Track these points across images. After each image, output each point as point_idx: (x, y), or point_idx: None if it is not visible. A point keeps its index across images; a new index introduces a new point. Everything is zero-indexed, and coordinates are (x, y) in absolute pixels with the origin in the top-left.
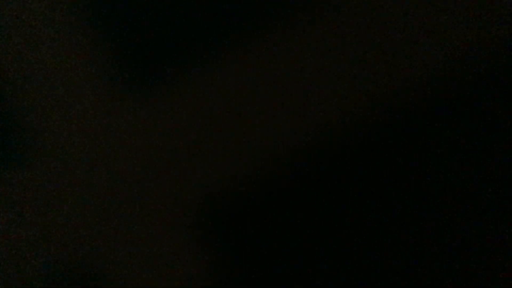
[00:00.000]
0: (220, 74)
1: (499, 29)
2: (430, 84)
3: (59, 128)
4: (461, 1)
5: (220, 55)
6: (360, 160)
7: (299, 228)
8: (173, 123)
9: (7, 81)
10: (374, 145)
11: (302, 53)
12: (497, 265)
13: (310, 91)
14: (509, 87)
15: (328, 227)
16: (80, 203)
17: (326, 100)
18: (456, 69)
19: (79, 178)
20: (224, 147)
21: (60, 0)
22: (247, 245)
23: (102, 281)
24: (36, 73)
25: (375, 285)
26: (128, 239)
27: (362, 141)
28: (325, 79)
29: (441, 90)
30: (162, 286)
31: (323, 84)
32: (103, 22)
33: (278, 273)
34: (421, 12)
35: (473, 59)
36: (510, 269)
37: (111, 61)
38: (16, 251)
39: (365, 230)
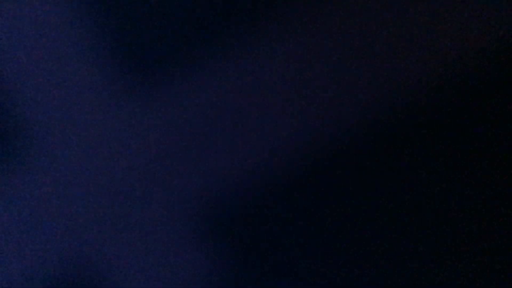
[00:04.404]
0: (221, 75)
1: (499, 29)
2: (429, 85)
3: (59, 128)
4: (461, 1)
5: (221, 56)
6: (360, 161)
7: (299, 228)
8: (172, 123)
9: (7, 82)
10: (374, 145)
11: (301, 54)
12: (497, 265)
13: (310, 92)
14: (509, 87)
15: (328, 228)
16: (80, 204)
17: (327, 100)
18: (455, 70)
19: (79, 178)
20: (223, 147)
21: (60, 0)
22: (247, 245)
23: (102, 281)
24: (36, 74)
25: (375, 285)
26: (128, 240)
27: (362, 142)
28: (325, 79)
29: (440, 91)
30: (162, 286)
31: (323, 84)
32: (103, 22)
33: (279, 273)
34: (421, 12)
35: (473, 59)
36: (510, 269)
37: (112, 62)
38: (16, 251)
39: (366, 231)
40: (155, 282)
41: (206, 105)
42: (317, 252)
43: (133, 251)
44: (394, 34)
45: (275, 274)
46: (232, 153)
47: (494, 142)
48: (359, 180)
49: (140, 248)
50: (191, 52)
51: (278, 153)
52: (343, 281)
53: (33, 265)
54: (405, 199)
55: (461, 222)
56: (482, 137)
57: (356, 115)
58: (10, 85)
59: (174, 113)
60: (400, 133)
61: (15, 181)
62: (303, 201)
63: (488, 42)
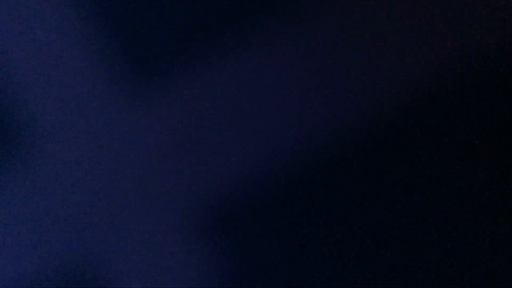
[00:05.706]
0: (221, 75)
1: (499, 29)
2: (428, 85)
3: (59, 129)
4: (461, 1)
5: (221, 56)
6: (360, 161)
7: (299, 228)
8: (173, 124)
9: (8, 82)
10: (374, 145)
11: (301, 55)
12: (497, 265)
13: (310, 92)
14: (509, 87)
15: (328, 228)
16: (80, 203)
17: (327, 100)
18: (455, 70)
19: (79, 178)
20: (224, 147)
21: (60, 0)
22: (247, 245)
23: (102, 281)
24: (37, 74)
25: (375, 285)
26: (128, 240)
27: (361, 142)
28: (326, 79)
29: (439, 91)
30: (162, 286)
31: (324, 84)
32: (105, 22)
33: (278, 273)
34: (421, 13)
35: (472, 60)
36: (510, 269)
37: (112, 62)
38: (16, 251)
39: (366, 231)
40: (155, 282)
41: (206, 105)
42: (317, 252)
43: (133, 251)
44: (394, 34)
45: (275, 274)
46: (232, 153)
47: (494, 142)
48: (359, 180)
49: (140, 248)
50: (191, 52)
51: (278, 153)
52: (343, 281)
53: (33, 265)
54: (405, 199)
55: (461, 221)
56: (482, 137)
57: (356, 115)
58: (11, 85)
59: (174, 114)
60: (399, 133)
61: (15, 181)
62: (303, 201)
63: (488, 42)
